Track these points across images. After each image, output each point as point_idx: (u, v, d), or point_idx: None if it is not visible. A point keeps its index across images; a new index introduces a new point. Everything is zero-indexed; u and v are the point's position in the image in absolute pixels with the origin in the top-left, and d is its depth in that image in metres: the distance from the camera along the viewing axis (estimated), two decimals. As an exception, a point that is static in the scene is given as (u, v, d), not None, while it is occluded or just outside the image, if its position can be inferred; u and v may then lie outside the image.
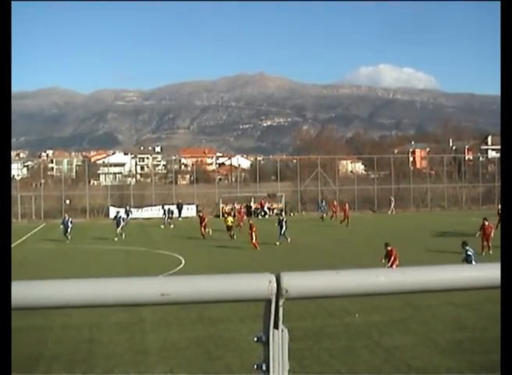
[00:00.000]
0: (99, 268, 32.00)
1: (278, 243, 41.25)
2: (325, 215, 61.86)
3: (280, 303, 2.20)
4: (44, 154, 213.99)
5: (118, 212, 50.03)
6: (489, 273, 2.38)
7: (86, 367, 15.84)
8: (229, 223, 46.20)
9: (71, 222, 46.95)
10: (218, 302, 2.24)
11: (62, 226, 46.82)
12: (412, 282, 2.33)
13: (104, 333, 18.99)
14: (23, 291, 2.13)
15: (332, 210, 62.15)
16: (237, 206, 69.41)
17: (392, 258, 25.96)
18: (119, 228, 46.54)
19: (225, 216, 50.35)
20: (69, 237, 45.91)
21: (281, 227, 42.33)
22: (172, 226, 57.82)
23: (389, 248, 26.55)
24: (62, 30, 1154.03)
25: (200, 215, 49.51)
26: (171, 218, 61.47)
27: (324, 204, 64.43)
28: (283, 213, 58.79)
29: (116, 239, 45.56)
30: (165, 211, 60.89)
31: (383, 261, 26.31)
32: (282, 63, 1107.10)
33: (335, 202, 63.76)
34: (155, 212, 68.15)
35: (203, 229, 46.77)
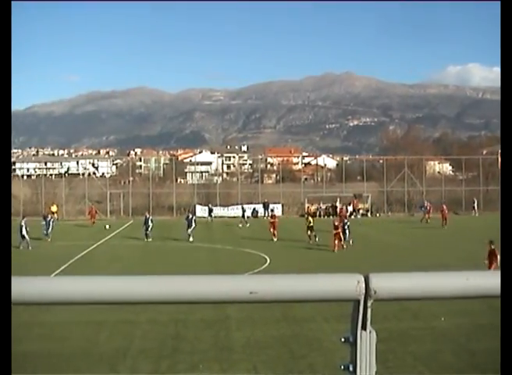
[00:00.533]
0: (186, 265, 32.39)
1: (345, 246, 39.60)
2: (426, 216, 59.89)
3: (368, 304, 2.18)
4: (132, 152, 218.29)
5: (189, 214, 50.11)
6: None
7: (170, 362, 16.08)
8: (310, 224, 43.98)
9: (151, 220, 47.43)
10: (306, 302, 2.24)
11: (143, 226, 47.34)
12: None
13: (190, 330, 19.21)
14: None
15: (429, 212, 60.50)
16: (323, 206, 69.26)
17: (495, 258, 25.14)
18: (190, 229, 46.30)
19: (306, 216, 48.11)
20: (149, 236, 46.45)
21: (344, 232, 40.53)
22: (247, 224, 57.72)
23: (493, 247, 25.47)
24: (151, 30, 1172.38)
25: (272, 215, 49.19)
26: (249, 217, 61.86)
27: (426, 204, 62.45)
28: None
29: (192, 239, 45.50)
30: (243, 210, 61.17)
31: (485, 262, 25.50)
32: (369, 63, 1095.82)
33: (426, 203, 62.50)
34: (241, 210, 68.57)
35: (272, 230, 46.33)
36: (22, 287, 2.15)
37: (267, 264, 33.17)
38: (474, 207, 69.61)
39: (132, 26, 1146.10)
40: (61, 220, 66.20)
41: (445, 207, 56.91)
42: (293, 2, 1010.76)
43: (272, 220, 46.97)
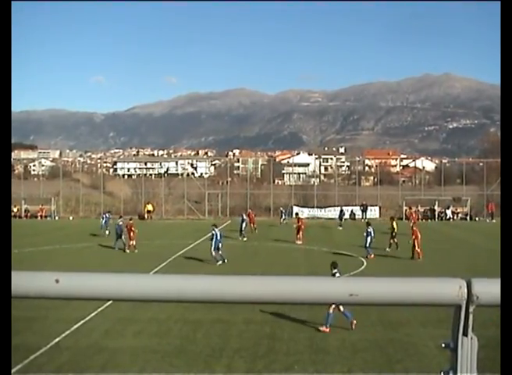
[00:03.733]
0: (284, 266, 32.46)
1: (368, 256, 36.57)
2: None
3: (470, 310, 2.14)
4: (230, 153, 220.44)
5: (242, 215, 50.37)
6: None
7: (266, 362, 16.15)
8: (394, 231, 41.11)
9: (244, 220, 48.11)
10: (407, 306, 2.21)
11: (242, 224, 47.83)
12: None
13: (285, 331, 19.26)
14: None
15: None
16: (421, 209, 68.34)
17: None
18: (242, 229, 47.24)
19: (392, 220, 42.72)
20: (243, 234, 47.16)
21: (367, 237, 37.63)
22: (340, 228, 57.41)
23: None
24: (250, 32, 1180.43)
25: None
26: (346, 219, 61.63)
27: None
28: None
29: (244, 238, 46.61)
30: (341, 212, 60.94)
31: None
32: (469, 63, 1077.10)
33: None
34: (338, 212, 68.32)
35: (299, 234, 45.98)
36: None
37: (363, 267, 32.93)
38: None
39: (231, 28, 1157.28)
40: (160, 219, 67.42)
41: None
42: (391, 3, 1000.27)
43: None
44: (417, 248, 36.42)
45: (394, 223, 41.54)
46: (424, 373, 14.41)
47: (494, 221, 66.18)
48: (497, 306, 2.22)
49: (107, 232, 47.77)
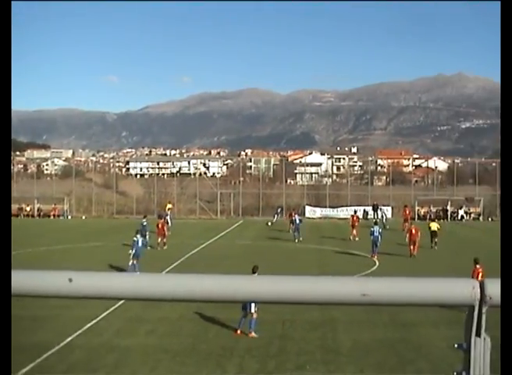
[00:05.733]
0: (294, 266, 32.41)
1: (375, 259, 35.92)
2: None
3: (483, 310, 2.13)
4: (243, 153, 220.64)
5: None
6: None
7: (277, 362, 16.16)
8: (434, 228, 41.72)
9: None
10: (420, 306, 2.20)
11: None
12: None
13: (297, 330, 19.25)
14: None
15: None
16: (433, 209, 68.15)
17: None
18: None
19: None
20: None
21: (375, 240, 37.01)
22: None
23: (478, 266, 23.21)
24: (262, 32, 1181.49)
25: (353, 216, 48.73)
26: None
27: None
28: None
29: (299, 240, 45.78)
30: (355, 212, 60.97)
31: None
32: (482, 63, 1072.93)
33: None
34: (351, 212, 68.18)
35: (354, 231, 46.25)
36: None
37: (375, 267, 32.88)
38: None
39: (244, 28, 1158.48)
40: (172, 219, 67.59)
41: None
42: (404, 3, 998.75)
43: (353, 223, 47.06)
44: (413, 245, 37.12)
45: (434, 224, 42.76)
46: (436, 373, 14.38)
47: None
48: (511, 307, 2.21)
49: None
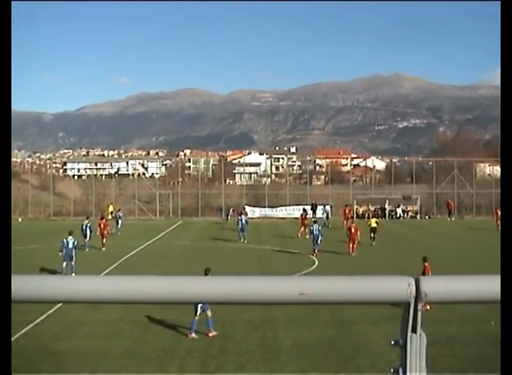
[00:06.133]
0: (233, 266, 32.38)
1: (314, 255, 37.03)
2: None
3: (419, 307, 2.17)
4: (181, 153, 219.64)
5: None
6: None
7: (218, 362, 16.14)
8: (374, 225, 43.28)
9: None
10: (357, 304, 2.23)
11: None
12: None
13: (237, 331, 19.25)
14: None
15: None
16: (371, 208, 68.94)
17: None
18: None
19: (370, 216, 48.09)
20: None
21: (316, 238, 37.85)
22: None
23: (426, 264, 21.56)
24: (200, 31, 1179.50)
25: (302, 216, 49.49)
26: (297, 218, 62.16)
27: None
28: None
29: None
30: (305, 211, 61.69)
31: None
32: (418, 64, 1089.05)
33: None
34: (290, 211, 68.63)
35: (302, 229, 47.02)
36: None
37: (315, 266, 33.07)
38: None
39: (181, 27, 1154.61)
40: (110, 220, 66.96)
41: (499, 211, 56.29)
42: (340, 2, 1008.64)
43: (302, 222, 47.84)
44: (352, 243, 37.95)
45: (373, 220, 45.29)
46: (375, 369, 14.55)
47: (453, 219, 68.22)
48: (445, 303, 2.25)
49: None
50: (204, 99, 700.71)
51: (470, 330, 19.13)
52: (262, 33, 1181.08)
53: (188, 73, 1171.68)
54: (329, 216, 60.34)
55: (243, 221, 46.46)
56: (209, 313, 18.54)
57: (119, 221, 52.01)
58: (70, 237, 30.60)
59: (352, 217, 55.67)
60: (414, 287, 2.14)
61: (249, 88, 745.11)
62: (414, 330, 2.20)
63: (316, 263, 33.82)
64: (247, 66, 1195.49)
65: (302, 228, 47.05)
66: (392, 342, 2.27)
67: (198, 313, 18.34)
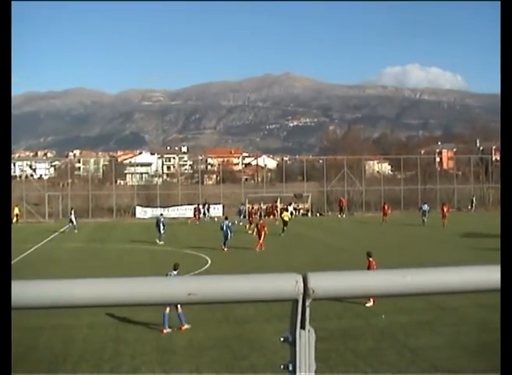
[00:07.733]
0: (126, 267, 32.12)
1: (225, 249, 39.16)
2: (425, 219, 56.26)
3: (307, 303, 2.19)
4: (71, 154, 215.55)
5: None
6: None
7: (112, 365, 15.94)
8: (286, 219, 48.64)
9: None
10: (246, 302, 2.24)
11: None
12: (437, 283, 2.31)
13: (131, 333, 19.08)
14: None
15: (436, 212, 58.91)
16: (263, 206, 69.53)
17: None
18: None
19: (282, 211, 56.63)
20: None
21: (225, 234, 39.63)
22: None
23: (371, 259, 23.04)
24: (89, 30, 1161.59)
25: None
26: (190, 218, 63.40)
27: (427, 207, 58.16)
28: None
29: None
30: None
31: None
32: (308, 64, 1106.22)
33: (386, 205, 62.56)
34: (182, 211, 68.57)
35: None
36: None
37: (208, 265, 33.11)
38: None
39: (69, 25, 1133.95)
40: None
41: (386, 206, 59.96)
42: (231, 2, 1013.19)
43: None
44: (260, 240, 39.45)
45: (286, 214, 51.36)
46: (269, 367, 14.66)
47: (344, 216, 70.10)
48: (333, 299, 2.29)
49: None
50: (93, 99, 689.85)
51: (362, 323, 19.57)
52: (152, 32, 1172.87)
53: (77, 72, 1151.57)
54: (243, 213, 61.47)
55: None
56: (180, 308, 18.57)
57: (74, 220, 53.10)
58: None
59: (261, 215, 58.06)
60: (302, 284, 2.16)
61: (139, 88, 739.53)
62: (302, 327, 2.23)
63: (209, 262, 33.87)
64: (136, 64, 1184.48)
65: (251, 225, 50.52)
66: (282, 339, 2.29)
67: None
